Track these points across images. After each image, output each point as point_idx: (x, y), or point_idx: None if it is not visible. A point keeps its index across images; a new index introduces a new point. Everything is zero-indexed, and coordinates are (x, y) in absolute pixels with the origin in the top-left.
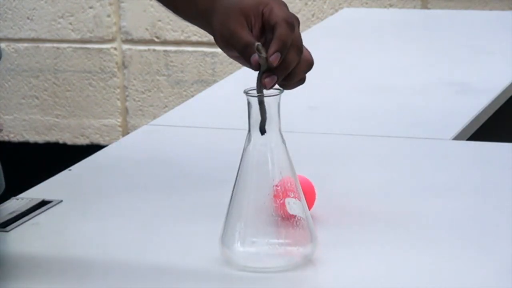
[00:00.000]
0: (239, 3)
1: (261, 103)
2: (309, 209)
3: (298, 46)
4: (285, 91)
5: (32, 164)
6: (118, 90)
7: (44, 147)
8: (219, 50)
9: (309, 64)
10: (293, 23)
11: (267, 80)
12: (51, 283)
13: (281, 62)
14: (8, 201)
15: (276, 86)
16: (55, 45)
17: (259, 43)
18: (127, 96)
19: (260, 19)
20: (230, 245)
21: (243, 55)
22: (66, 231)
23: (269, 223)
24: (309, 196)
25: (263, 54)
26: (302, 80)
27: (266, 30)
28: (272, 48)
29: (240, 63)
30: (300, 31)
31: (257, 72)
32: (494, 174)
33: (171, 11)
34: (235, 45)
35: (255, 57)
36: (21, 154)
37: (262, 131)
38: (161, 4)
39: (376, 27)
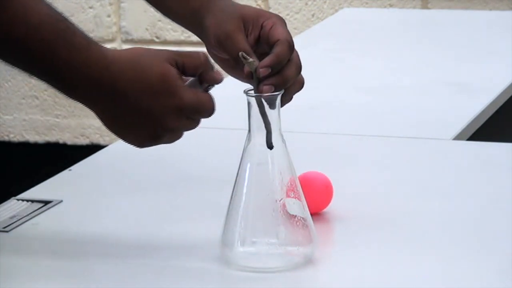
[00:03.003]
0: (239, 9)
1: (264, 115)
2: (326, 206)
3: (298, 64)
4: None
5: (32, 164)
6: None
7: (44, 147)
8: None
9: (301, 85)
10: (293, 46)
11: (265, 88)
12: (51, 283)
13: (280, 76)
14: (8, 201)
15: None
16: None
17: (242, 52)
18: None
19: (258, 30)
20: (230, 245)
21: (236, 61)
22: (66, 231)
23: (269, 223)
24: (329, 193)
25: (250, 60)
26: (290, 99)
27: (261, 42)
28: (267, 61)
29: (226, 70)
30: (300, 31)
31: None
32: (494, 174)
33: (159, 11)
34: (229, 48)
35: (246, 69)
36: (21, 154)
37: (270, 146)
38: (149, 4)
39: (376, 27)
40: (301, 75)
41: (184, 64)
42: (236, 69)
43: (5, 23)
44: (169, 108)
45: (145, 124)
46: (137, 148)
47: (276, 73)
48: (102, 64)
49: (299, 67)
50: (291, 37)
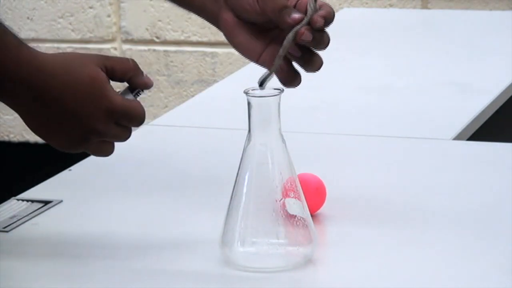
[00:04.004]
0: None
1: (279, 58)
2: (319, 208)
3: (329, 37)
4: (285, 90)
5: (32, 164)
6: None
7: (44, 147)
8: (219, 50)
9: (321, 63)
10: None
11: (306, 32)
12: (51, 283)
13: (321, 36)
14: (8, 201)
15: (276, 86)
16: (55, 45)
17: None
18: None
19: (294, 2)
20: (230, 245)
21: (280, 14)
22: (66, 231)
23: (269, 223)
24: (321, 195)
25: (313, 7)
26: (299, 81)
27: None
28: (323, 11)
29: (242, 50)
30: None
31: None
32: (494, 174)
33: (173, 2)
34: (271, 3)
35: (294, 16)
36: (21, 154)
37: (262, 83)
38: None
39: (376, 27)
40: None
41: (113, 68)
42: (255, 41)
43: None
44: (98, 110)
45: (72, 126)
46: (64, 151)
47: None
48: (32, 65)
49: (329, 40)
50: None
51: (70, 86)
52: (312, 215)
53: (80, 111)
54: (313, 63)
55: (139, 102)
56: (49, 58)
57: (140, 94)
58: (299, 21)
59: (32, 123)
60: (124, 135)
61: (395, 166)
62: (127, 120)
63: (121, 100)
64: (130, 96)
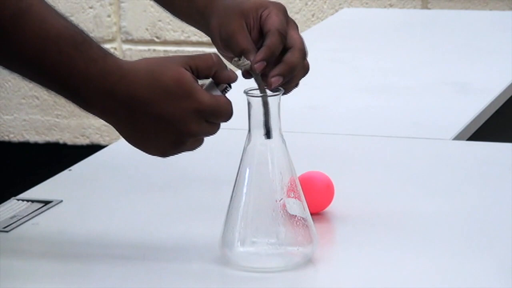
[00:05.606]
0: (239, 4)
1: (265, 104)
2: (327, 206)
3: (302, 49)
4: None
5: (32, 164)
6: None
7: (44, 147)
8: None
9: (306, 70)
10: (285, 34)
11: (273, 79)
12: (51, 283)
13: (285, 64)
14: (8, 201)
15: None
16: None
17: (236, 58)
18: None
19: (258, 22)
20: (230, 245)
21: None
22: (66, 231)
23: (269, 223)
24: (330, 193)
25: (241, 62)
26: (297, 85)
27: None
28: (260, 56)
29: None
30: (300, 31)
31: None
32: (494, 174)
33: (167, 11)
34: (233, 48)
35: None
36: (21, 154)
37: (268, 133)
38: (158, 4)
39: (376, 27)
40: (306, 60)
41: (198, 67)
42: None
43: (22, 38)
44: (188, 111)
45: (166, 131)
46: (161, 157)
47: (278, 62)
48: (117, 74)
49: (303, 52)
50: (283, 25)
51: (156, 91)
52: (314, 215)
53: (170, 115)
54: (287, 89)
55: (226, 97)
56: (133, 65)
57: (227, 90)
58: (249, 73)
59: (125, 133)
60: (214, 131)
61: (395, 166)
62: (216, 117)
63: (209, 98)
64: (217, 92)
